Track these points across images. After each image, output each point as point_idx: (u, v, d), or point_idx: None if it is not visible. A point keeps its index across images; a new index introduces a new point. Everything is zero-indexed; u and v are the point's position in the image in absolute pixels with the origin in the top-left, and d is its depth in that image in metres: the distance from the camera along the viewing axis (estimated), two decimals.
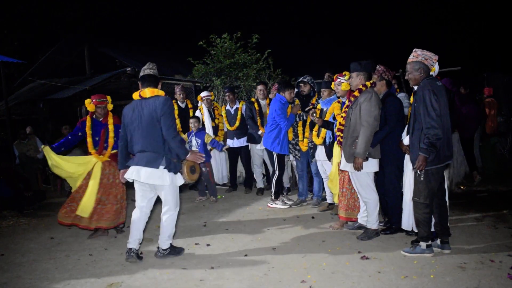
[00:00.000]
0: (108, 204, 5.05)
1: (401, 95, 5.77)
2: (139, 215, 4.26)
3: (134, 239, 4.24)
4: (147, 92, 4.07)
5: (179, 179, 4.21)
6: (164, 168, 4.02)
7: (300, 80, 6.35)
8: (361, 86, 4.47)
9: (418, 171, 3.90)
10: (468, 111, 7.64)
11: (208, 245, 4.70)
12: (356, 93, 4.50)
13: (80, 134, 5.15)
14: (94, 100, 5.06)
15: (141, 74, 4.20)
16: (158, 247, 4.32)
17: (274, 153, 6.14)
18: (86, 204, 4.94)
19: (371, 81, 4.54)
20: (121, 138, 4.24)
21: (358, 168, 4.40)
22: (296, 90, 6.37)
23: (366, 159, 4.42)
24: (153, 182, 4.04)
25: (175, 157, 4.09)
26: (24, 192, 6.99)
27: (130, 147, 4.18)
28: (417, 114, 3.87)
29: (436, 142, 3.75)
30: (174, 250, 4.37)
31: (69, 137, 5.18)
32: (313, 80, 6.34)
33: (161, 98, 4.04)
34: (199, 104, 7.45)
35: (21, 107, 13.60)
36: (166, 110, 3.98)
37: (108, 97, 5.24)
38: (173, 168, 4.09)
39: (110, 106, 5.24)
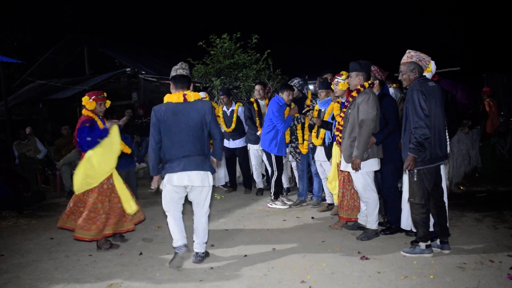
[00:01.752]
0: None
1: (393, 90, 5.72)
2: (176, 218, 4.15)
3: (179, 237, 4.12)
4: (192, 96, 3.95)
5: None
6: (209, 170, 3.99)
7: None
8: (359, 87, 4.48)
9: (408, 171, 3.92)
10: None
11: (212, 245, 4.70)
12: (354, 93, 4.51)
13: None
14: (94, 97, 4.76)
15: (173, 73, 4.03)
16: (197, 252, 4.16)
17: (272, 154, 6.15)
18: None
19: (370, 82, 4.55)
20: (156, 142, 3.99)
21: (356, 168, 4.41)
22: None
23: (366, 159, 4.43)
24: (203, 185, 3.95)
25: (214, 157, 4.12)
26: (23, 193, 6.98)
27: (165, 151, 3.97)
28: (408, 114, 3.90)
29: (424, 141, 3.76)
30: (208, 254, 4.28)
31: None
32: (300, 83, 6.35)
33: (208, 103, 4.00)
34: None
35: (21, 108, 13.62)
36: (214, 114, 3.99)
37: (105, 94, 4.92)
38: (213, 169, 4.05)
39: (108, 103, 4.92)
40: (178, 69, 4.04)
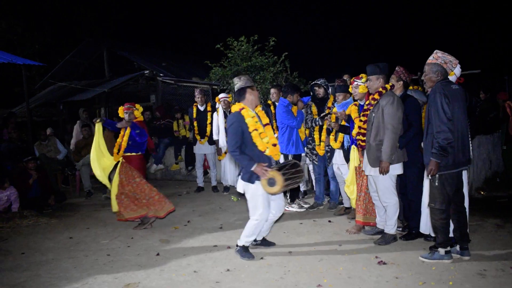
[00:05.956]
0: (139, 198, 5.64)
1: (418, 92, 5.65)
2: None
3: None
4: (233, 107, 4.39)
5: (259, 189, 4.24)
6: (242, 179, 4.30)
7: (314, 83, 6.33)
8: (381, 89, 4.43)
9: (430, 176, 3.85)
10: None
11: (228, 247, 4.71)
12: (376, 96, 4.45)
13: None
14: (124, 107, 5.74)
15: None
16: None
17: (290, 156, 6.14)
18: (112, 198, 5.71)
19: (390, 84, 4.51)
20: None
21: (384, 172, 4.35)
22: (311, 93, 6.40)
23: (393, 162, 4.38)
24: (240, 191, 4.43)
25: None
26: (49, 201, 7.11)
27: None
28: (430, 117, 3.83)
29: (447, 146, 3.69)
30: (244, 252, 4.39)
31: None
32: (327, 83, 6.32)
33: (232, 114, 4.30)
34: (217, 105, 7.49)
35: (42, 109, 13.86)
36: (230, 125, 4.23)
37: (138, 105, 5.87)
38: (249, 179, 4.23)
39: (136, 113, 5.80)
40: (235, 84, 4.49)
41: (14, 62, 8.17)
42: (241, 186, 4.35)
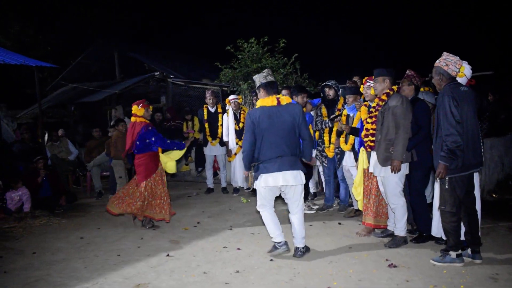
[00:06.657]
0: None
1: (428, 94, 5.61)
2: (271, 213, 4.41)
3: (279, 233, 4.39)
4: (284, 99, 4.24)
5: None
6: (301, 169, 4.23)
7: (324, 84, 6.31)
8: (388, 90, 4.44)
9: (439, 179, 3.83)
10: None
11: (238, 249, 4.71)
12: (384, 97, 4.45)
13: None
14: (141, 104, 5.57)
15: (263, 81, 4.30)
16: (297, 247, 4.35)
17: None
18: None
19: (397, 86, 4.53)
20: (251, 144, 4.23)
21: (396, 170, 4.33)
22: (321, 95, 6.38)
23: (404, 161, 4.37)
24: (297, 183, 4.19)
25: (304, 158, 4.34)
26: (60, 201, 7.19)
27: (260, 152, 4.21)
28: (439, 120, 3.81)
29: (455, 149, 3.66)
30: (308, 249, 4.45)
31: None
32: (337, 84, 6.29)
33: (299, 106, 4.31)
34: (227, 107, 7.51)
35: (53, 110, 13.99)
36: (304, 116, 4.22)
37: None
38: (304, 168, 4.31)
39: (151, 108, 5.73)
40: (267, 76, 4.34)
41: (27, 64, 8.25)
42: (300, 176, 4.23)
